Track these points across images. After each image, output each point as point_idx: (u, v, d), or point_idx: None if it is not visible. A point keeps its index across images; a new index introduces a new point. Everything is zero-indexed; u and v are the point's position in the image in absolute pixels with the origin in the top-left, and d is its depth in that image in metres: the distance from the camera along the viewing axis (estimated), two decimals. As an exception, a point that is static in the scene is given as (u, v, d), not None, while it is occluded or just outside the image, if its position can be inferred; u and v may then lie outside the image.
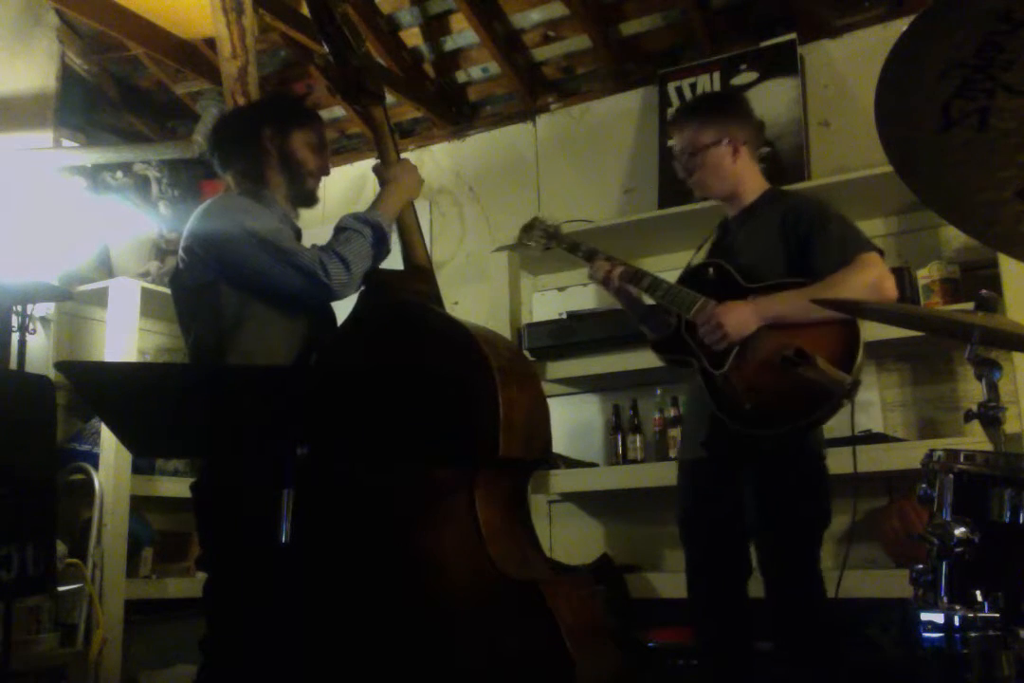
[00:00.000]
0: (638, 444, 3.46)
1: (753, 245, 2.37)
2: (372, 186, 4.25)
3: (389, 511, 1.97)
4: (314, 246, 2.12)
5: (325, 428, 1.62)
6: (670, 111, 3.58)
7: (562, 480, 3.37)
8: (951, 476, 1.49)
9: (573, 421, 3.68)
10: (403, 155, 2.36)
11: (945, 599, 1.43)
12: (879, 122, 1.53)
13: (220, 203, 2.20)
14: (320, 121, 2.38)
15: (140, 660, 3.47)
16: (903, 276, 2.94)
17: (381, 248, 2.17)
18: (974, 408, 1.58)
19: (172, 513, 3.83)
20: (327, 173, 2.34)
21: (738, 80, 3.57)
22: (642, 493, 3.29)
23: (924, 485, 1.54)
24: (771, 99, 3.49)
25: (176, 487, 3.57)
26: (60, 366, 2.51)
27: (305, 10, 3.56)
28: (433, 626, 1.86)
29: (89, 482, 3.36)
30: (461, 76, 4.17)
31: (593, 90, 3.98)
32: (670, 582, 2.96)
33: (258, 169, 2.25)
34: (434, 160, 4.26)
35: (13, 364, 2.98)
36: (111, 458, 3.37)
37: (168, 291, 2.26)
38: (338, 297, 2.10)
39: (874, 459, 2.82)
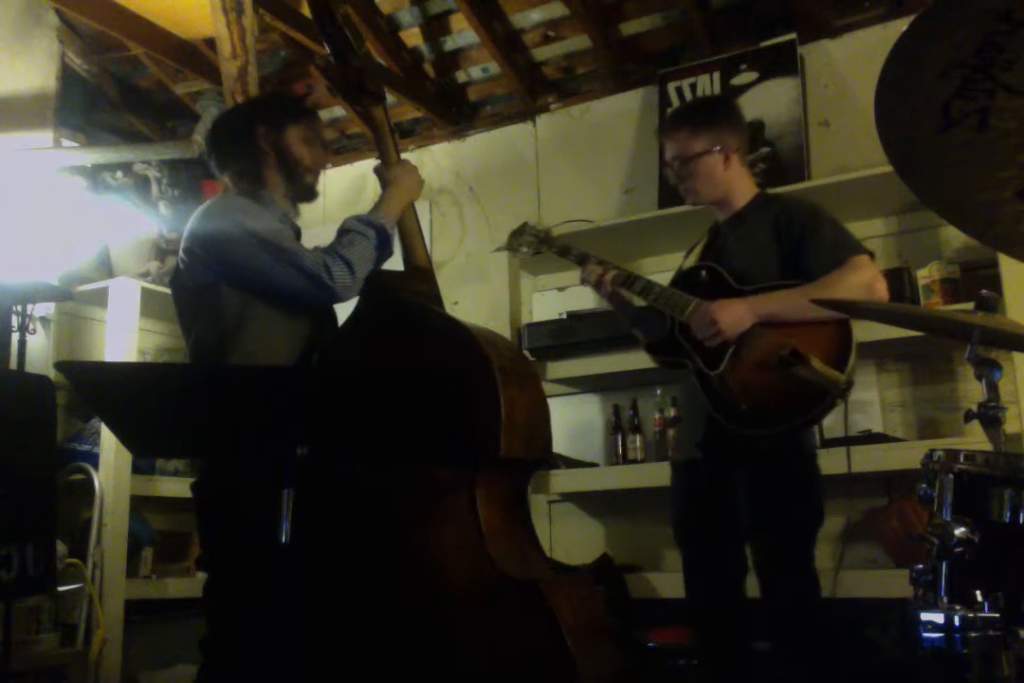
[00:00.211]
0: (638, 444, 3.46)
1: (745, 249, 2.38)
2: (372, 186, 4.27)
3: (389, 511, 1.98)
4: (317, 248, 2.12)
5: (326, 428, 1.62)
6: (670, 111, 3.58)
7: (562, 480, 3.38)
8: (951, 476, 1.49)
9: (573, 421, 3.68)
10: (403, 155, 2.36)
11: (945, 599, 1.43)
12: (879, 122, 1.53)
13: (220, 204, 2.19)
14: (313, 114, 2.37)
15: (140, 660, 3.48)
16: (903, 276, 2.94)
17: (384, 250, 2.17)
18: (974, 408, 1.58)
19: (172, 513, 3.83)
20: (325, 167, 2.33)
21: (738, 80, 3.57)
22: (642, 493, 3.29)
23: (924, 485, 1.54)
24: (771, 99, 3.49)
25: (176, 487, 3.58)
26: (60, 366, 2.51)
27: (305, 10, 3.57)
28: (433, 625, 1.87)
29: (89, 482, 3.36)
30: (461, 76, 4.17)
31: (593, 90, 3.98)
32: (670, 582, 2.96)
33: (255, 169, 2.25)
34: (434, 160, 4.26)
35: (13, 364, 2.99)
36: (111, 458, 3.37)
37: (168, 291, 2.25)
38: (341, 299, 2.10)
39: (874, 459, 2.82)
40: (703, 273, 2.40)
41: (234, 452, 1.87)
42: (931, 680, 2.03)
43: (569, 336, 3.40)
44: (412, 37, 4.04)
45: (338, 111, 4.40)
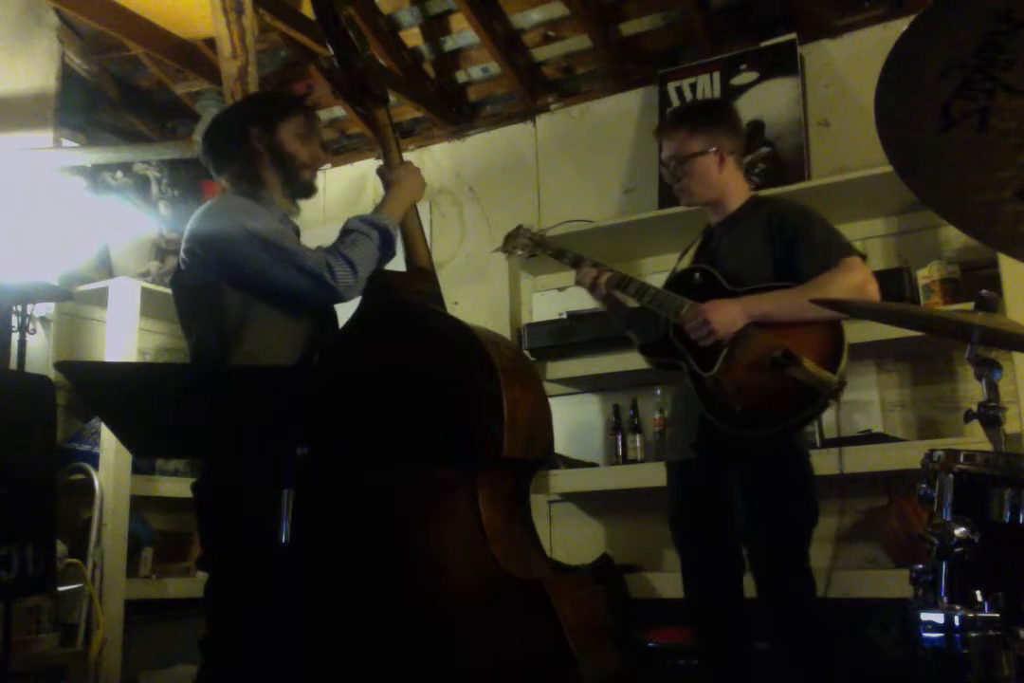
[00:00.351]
0: (638, 444, 3.47)
1: (738, 251, 2.40)
2: (372, 186, 4.27)
3: (391, 511, 1.97)
4: (319, 248, 2.11)
5: (326, 428, 1.62)
6: (669, 111, 3.58)
7: (562, 480, 3.38)
8: (951, 476, 1.49)
9: (573, 421, 3.68)
10: (403, 155, 2.36)
11: (945, 599, 1.43)
12: (879, 122, 1.53)
13: (220, 204, 2.19)
14: (306, 110, 2.34)
15: (140, 660, 3.47)
16: (903, 276, 2.94)
17: (387, 251, 2.17)
18: (974, 408, 1.58)
19: (172, 513, 3.83)
20: (322, 161, 2.33)
21: (738, 80, 3.57)
22: (642, 493, 3.29)
23: (924, 485, 1.54)
24: (771, 99, 3.49)
25: (176, 487, 3.58)
26: (60, 366, 2.51)
27: (306, 10, 3.58)
28: (435, 625, 1.86)
29: (89, 482, 3.36)
30: (461, 76, 4.17)
31: (593, 90, 3.98)
32: (670, 582, 2.96)
33: (252, 170, 2.24)
34: (434, 160, 4.26)
35: (13, 364, 2.99)
36: (111, 458, 3.37)
37: (168, 291, 2.25)
38: (343, 299, 2.09)
39: (874, 459, 2.82)
40: (697, 275, 2.41)
41: (234, 452, 1.87)
42: (931, 680, 2.03)
43: (569, 336, 3.40)
44: (412, 37, 4.04)
45: (338, 111, 4.40)
